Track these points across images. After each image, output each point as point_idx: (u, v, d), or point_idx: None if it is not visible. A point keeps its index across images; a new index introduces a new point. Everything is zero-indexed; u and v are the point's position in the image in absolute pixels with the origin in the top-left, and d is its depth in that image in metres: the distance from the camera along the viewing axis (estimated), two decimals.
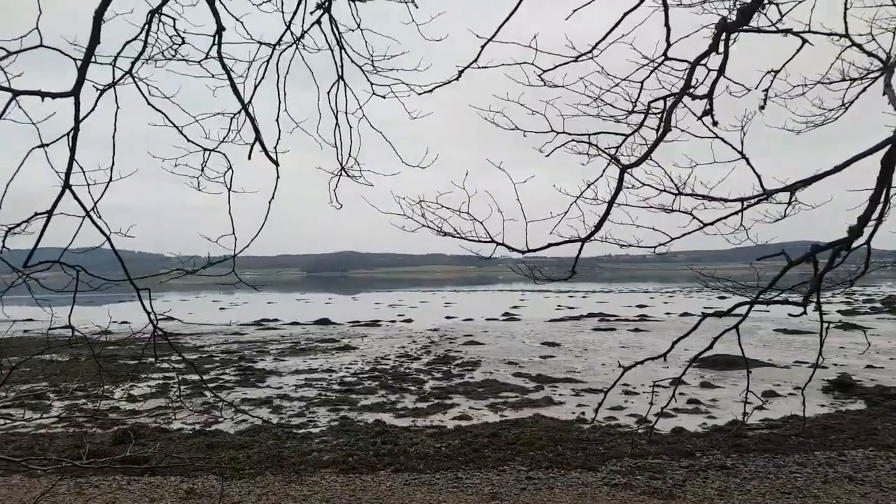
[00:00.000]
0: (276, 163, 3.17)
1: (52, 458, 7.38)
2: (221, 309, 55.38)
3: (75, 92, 2.65)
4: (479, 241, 3.51)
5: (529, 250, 3.49)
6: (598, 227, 3.50)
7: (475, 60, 3.31)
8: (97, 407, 14.14)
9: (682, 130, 3.57)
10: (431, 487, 7.96)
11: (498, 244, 3.49)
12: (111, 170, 2.76)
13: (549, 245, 3.55)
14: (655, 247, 3.92)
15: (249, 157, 3.09)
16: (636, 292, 73.39)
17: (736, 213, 3.83)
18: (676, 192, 3.83)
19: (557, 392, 15.50)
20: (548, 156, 3.63)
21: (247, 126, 3.13)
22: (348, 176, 3.52)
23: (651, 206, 3.77)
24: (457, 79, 3.34)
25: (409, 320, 39.05)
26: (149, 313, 3.06)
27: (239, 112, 3.14)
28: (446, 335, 29.49)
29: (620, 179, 3.31)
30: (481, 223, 3.45)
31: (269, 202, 3.19)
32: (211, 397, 15.64)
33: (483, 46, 3.27)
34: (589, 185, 3.56)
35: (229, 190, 3.11)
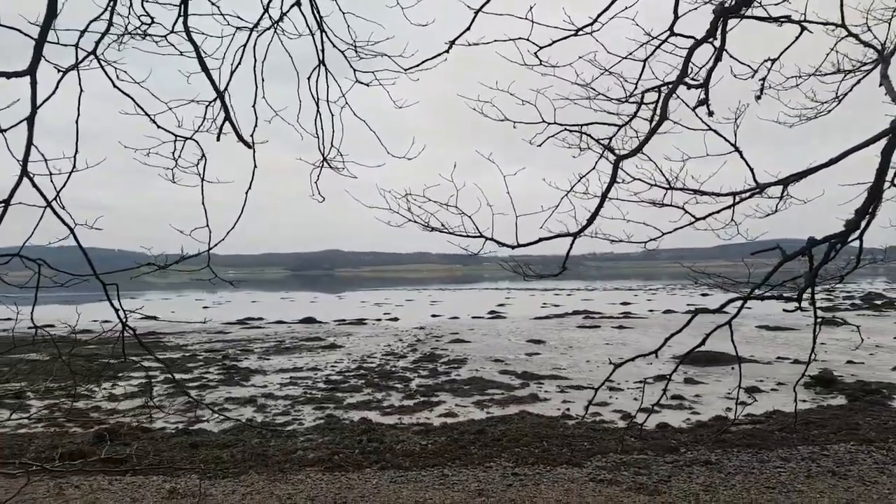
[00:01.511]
0: (249, 145, 3.06)
1: (22, 462, 7.22)
2: (204, 307, 54.88)
3: (31, 71, 2.51)
4: (468, 237, 3.45)
5: (519, 245, 3.43)
6: (591, 220, 3.45)
7: (467, 29, 3.21)
8: (71, 407, 13.92)
9: (675, 122, 3.53)
10: (418, 485, 7.90)
11: (487, 239, 3.43)
12: (74, 158, 2.65)
13: (540, 240, 3.50)
14: (646, 242, 3.89)
15: (218, 139, 2.99)
16: (620, 290, 73.77)
17: (727, 207, 3.81)
18: (668, 186, 3.80)
19: (543, 389, 15.52)
20: (540, 145, 3.57)
21: (222, 114, 3.03)
22: (330, 167, 3.42)
23: (642, 201, 3.74)
24: (447, 52, 3.26)
25: (395, 319, 38.95)
26: (116, 310, 2.95)
27: (214, 100, 3.04)
28: (432, 333, 29.43)
29: (614, 170, 3.27)
30: (469, 217, 3.39)
31: (246, 192, 3.09)
32: (186, 400, 15.49)
33: (476, 14, 3.18)
34: (581, 178, 3.52)
35: (202, 179, 3.00)
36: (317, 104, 3.25)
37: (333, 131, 3.34)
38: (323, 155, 3.38)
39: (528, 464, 8.80)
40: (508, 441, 10.17)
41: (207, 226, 2.87)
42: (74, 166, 2.65)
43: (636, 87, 3.61)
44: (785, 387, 15.56)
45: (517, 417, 12.23)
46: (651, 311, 41.36)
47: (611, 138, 3.59)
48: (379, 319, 38.46)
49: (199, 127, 3.06)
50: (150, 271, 2.98)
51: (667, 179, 3.86)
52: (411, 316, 40.88)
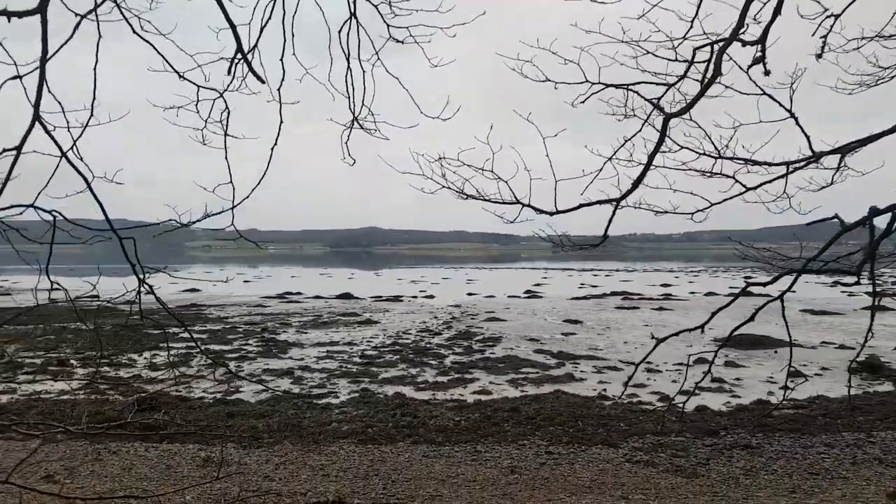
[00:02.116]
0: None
1: (32, 423, 7.36)
2: (246, 282, 55.89)
3: (41, 9, 2.40)
4: (504, 203, 3.28)
5: (558, 211, 3.25)
6: (636, 184, 3.24)
7: None
8: (95, 375, 14.26)
9: (727, 87, 3.29)
10: (450, 460, 7.85)
11: (524, 206, 3.26)
12: (92, 106, 2.56)
13: (580, 206, 3.30)
14: (693, 213, 3.66)
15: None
16: (661, 271, 72.63)
17: (780, 177, 3.57)
18: (717, 155, 3.57)
19: (579, 369, 15.33)
20: (583, 102, 3.35)
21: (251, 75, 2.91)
22: (362, 128, 3.29)
23: (690, 169, 3.51)
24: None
25: (431, 296, 39.02)
26: (133, 265, 2.85)
27: (239, 59, 2.92)
28: (468, 311, 29.39)
29: (663, 130, 3.05)
30: (506, 183, 3.22)
31: (272, 149, 2.99)
32: (233, 367, 15.72)
33: None
34: (626, 141, 3.30)
35: (225, 134, 2.90)
36: (347, 59, 3.11)
37: (365, 89, 3.21)
38: (354, 114, 3.25)
39: (563, 443, 8.68)
40: (543, 420, 10.06)
41: (231, 181, 2.78)
42: (92, 114, 2.57)
43: (689, 29, 3.34)
44: (829, 372, 15.09)
45: (552, 396, 12.10)
46: (692, 293, 40.60)
47: (660, 98, 3.36)
48: (415, 296, 38.58)
49: (228, 85, 2.96)
50: (173, 229, 2.91)
51: (716, 148, 3.63)
52: (447, 294, 40.91)
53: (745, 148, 3.82)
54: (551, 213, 3.26)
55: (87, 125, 2.58)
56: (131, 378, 14.43)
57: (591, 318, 26.25)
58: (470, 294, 40.60)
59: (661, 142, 3.10)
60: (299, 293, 40.21)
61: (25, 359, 16.27)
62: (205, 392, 13.09)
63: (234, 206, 2.83)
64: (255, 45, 2.91)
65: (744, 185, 3.60)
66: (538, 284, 48.97)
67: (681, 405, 6.42)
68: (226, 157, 2.86)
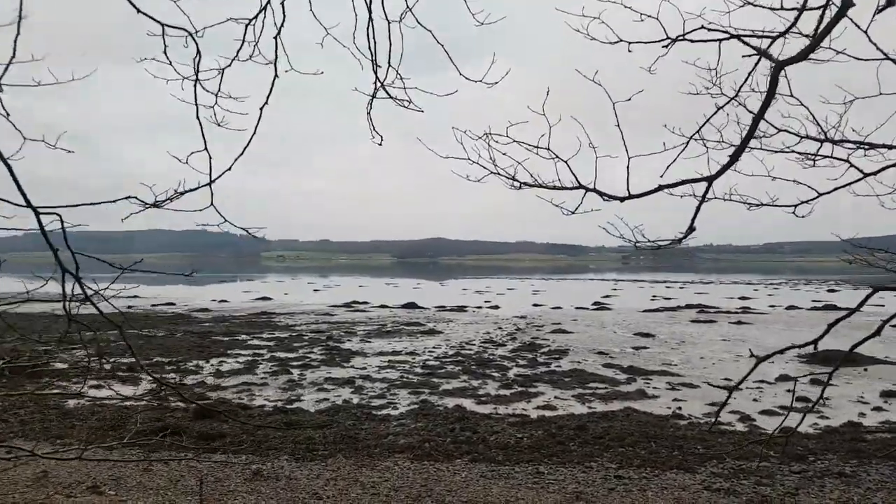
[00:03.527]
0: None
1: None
2: (315, 291, 56.82)
3: None
4: (563, 189, 2.76)
5: (630, 196, 2.71)
6: (737, 155, 2.66)
7: None
8: (161, 383, 14.36)
9: (838, 52, 2.70)
10: (509, 482, 7.30)
11: (588, 191, 2.73)
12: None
13: (660, 187, 2.74)
14: (796, 205, 3.05)
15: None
16: (738, 284, 69.51)
17: None
18: (823, 137, 2.97)
19: (651, 385, 14.46)
20: (665, 51, 2.80)
21: (265, 39, 2.52)
22: (388, 95, 2.82)
23: (795, 152, 2.90)
24: None
25: (496, 307, 38.41)
26: (55, 251, 2.38)
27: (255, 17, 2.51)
28: (533, 322, 28.68)
29: (773, 82, 2.47)
30: (566, 163, 2.70)
31: (261, 108, 2.55)
32: (287, 378, 15.62)
33: None
34: (723, 106, 2.73)
35: (196, 80, 2.48)
36: (368, 8, 2.64)
37: (391, 45, 2.72)
38: (378, 78, 2.79)
39: (634, 466, 7.98)
40: (611, 440, 9.37)
41: (206, 149, 2.36)
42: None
43: None
44: None
45: (622, 414, 11.36)
46: (772, 306, 38.43)
47: (768, 46, 2.76)
48: (479, 307, 38.06)
49: (238, 51, 2.54)
50: (142, 210, 2.49)
51: (822, 129, 3.03)
52: (512, 304, 40.22)
53: (856, 131, 3.19)
54: (622, 199, 2.72)
55: (8, 66, 2.18)
56: (195, 385, 14.51)
57: (664, 332, 25.08)
58: (536, 305, 39.76)
59: (769, 98, 2.51)
60: (366, 302, 40.39)
61: (95, 364, 16.65)
62: (266, 400, 13.00)
63: (211, 182, 2.42)
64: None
65: (861, 171, 2.97)
66: (607, 296, 47.60)
67: (785, 435, 5.63)
68: (197, 117, 2.45)
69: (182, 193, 2.34)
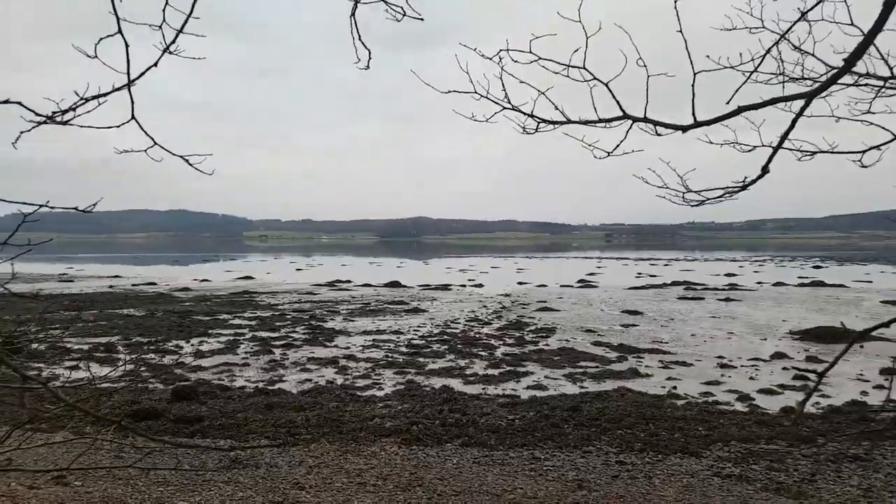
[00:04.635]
0: None
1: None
2: (298, 270, 56.12)
3: None
4: (599, 123, 2.22)
5: (697, 123, 2.19)
6: (843, 71, 2.15)
7: None
8: (139, 362, 13.79)
9: None
10: (505, 468, 6.86)
11: (635, 120, 2.21)
12: None
13: (740, 109, 2.22)
14: (863, 152, 2.55)
15: None
16: (723, 261, 69.72)
17: None
18: None
19: (643, 364, 14.12)
20: None
21: None
22: None
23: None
24: None
25: (480, 285, 38.01)
26: None
27: None
28: (519, 301, 28.31)
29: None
30: (606, 85, 2.18)
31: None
32: (270, 359, 15.12)
33: None
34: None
35: None
36: None
37: None
38: None
39: (635, 450, 7.57)
40: (608, 421, 8.98)
41: (120, 32, 1.79)
42: None
43: None
44: None
45: (616, 394, 10.98)
46: (759, 283, 38.39)
47: None
48: (463, 285, 37.64)
49: None
50: (33, 126, 1.92)
51: None
52: (497, 283, 39.86)
53: None
54: (685, 128, 2.19)
55: None
56: (174, 365, 13.94)
57: (652, 309, 24.81)
58: (520, 283, 39.41)
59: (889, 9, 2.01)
60: (349, 281, 39.86)
61: (73, 345, 16.03)
62: (247, 381, 12.50)
63: (129, 84, 1.85)
64: None
65: None
66: (592, 274, 47.38)
67: (794, 414, 5.26)
68: None
69: (88, 100, 1.79)
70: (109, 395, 10.47)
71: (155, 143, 1.88)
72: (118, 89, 1.77)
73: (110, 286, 36.79)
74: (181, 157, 1.93)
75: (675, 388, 11.73)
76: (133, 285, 37.44)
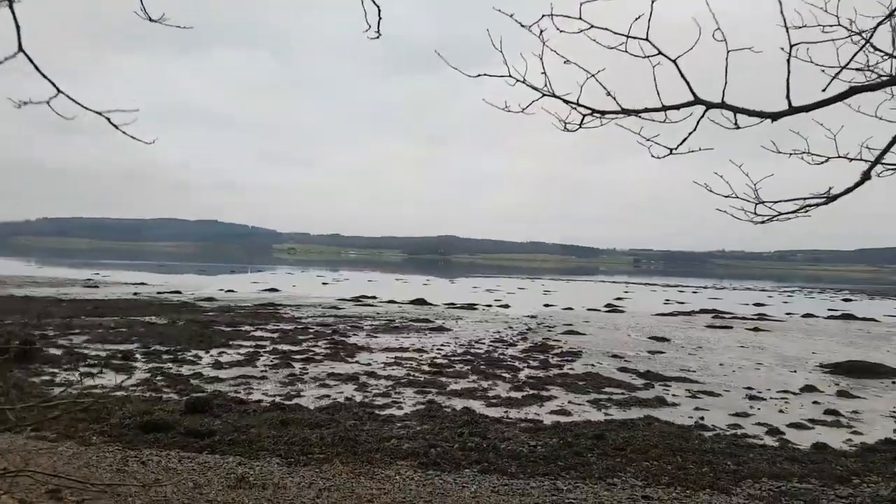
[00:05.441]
0: None
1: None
2: (324, 284, 56.29)
3: None
4: (664, 109, 1.92)
5: (793, 109, 1.87)
6: None
7: None
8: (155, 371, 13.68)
9: None
10: (525, 500, 6.52)
11: (709, 107, 1.89)
12: None
13: (852, 91, 1.90)
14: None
15: None
16: (752, 290, 68.33)
17: None
18: None
19: (670, 392, 13.64)
20: None
21: None
22: None
23: None
24: None
25: (507, 305, 37.62)
26: None
27: None
28: (544, 323, 27.88)
29: None
30: (674, 62, 1.88)
31: None
32: (289, 372, 14.93)
33: None
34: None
35: None
36: None
37: None
38: None
39: (662, 484, 7.18)
40: (634, 452, 8.59)
41: None
42: None
43: None
44: None
45: (642, 423, 10.57)
46: (789, 314, 37.41)
47: None
48: (489, 305, 37.28)
49: None
50: None
51: None
52: (523, 304, 39.43)
53: None
54: (774, 116, 1.87)
55: None
56: (192, 376, 13.82)
57: (680, 337, 24.21)
58: (547, 305, 38.93)
59: None
60: (374, 297, 39.74)
61: (91, 351, 16.05)
62: (264, 395, 12.32)
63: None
64: None
65: None
66: (619, 298, 46.71)
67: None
68: None
69: None
70: (122, 404, 10.37)
71: (59, 92, 1.68)
72: None
73: (135, 293, 37.12)
74: (99, 113, 1.73)
75: (702, 418, 11.27)
76: (158, 293, 37.72)
